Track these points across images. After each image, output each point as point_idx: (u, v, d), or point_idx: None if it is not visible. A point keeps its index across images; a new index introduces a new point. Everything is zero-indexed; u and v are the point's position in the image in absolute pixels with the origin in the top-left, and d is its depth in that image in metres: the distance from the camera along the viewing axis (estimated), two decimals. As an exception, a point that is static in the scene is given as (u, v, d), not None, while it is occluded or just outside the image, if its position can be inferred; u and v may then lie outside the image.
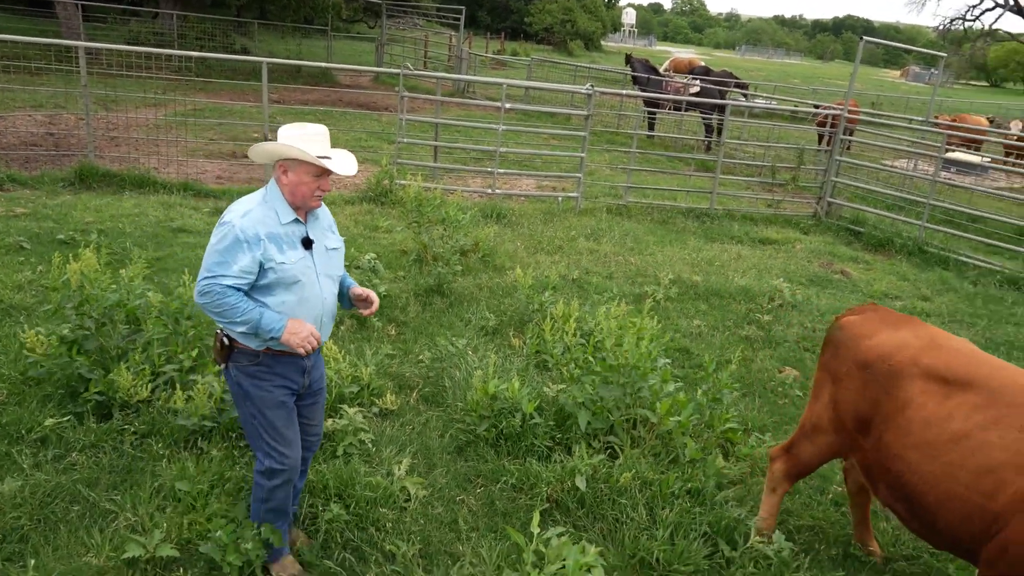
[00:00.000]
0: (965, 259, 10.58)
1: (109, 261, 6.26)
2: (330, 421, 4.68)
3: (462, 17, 24.98)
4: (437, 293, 7.31)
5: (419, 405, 5.37)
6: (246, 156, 12.27)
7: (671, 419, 4.73)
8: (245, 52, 23.53)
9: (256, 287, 3.28)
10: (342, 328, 6.37)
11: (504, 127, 11.39)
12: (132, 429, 4.56)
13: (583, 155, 11.50)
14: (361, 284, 6.52)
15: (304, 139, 3.25)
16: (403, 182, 9.69)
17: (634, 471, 4.46)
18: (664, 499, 4.31)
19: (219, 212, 9.20)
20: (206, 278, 3.19)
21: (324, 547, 3.89)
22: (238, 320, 3.20)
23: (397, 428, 5.03)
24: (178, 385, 4.66)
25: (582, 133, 11.68)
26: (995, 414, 3.24)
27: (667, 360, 5.19)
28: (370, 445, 4.71)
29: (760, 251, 10.42)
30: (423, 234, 7.94)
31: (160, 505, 4.00)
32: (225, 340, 3.36)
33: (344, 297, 3.69)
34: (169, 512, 3.94)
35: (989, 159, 17.75)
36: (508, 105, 11.71)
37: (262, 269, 3.24)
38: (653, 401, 4.76)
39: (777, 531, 4.23)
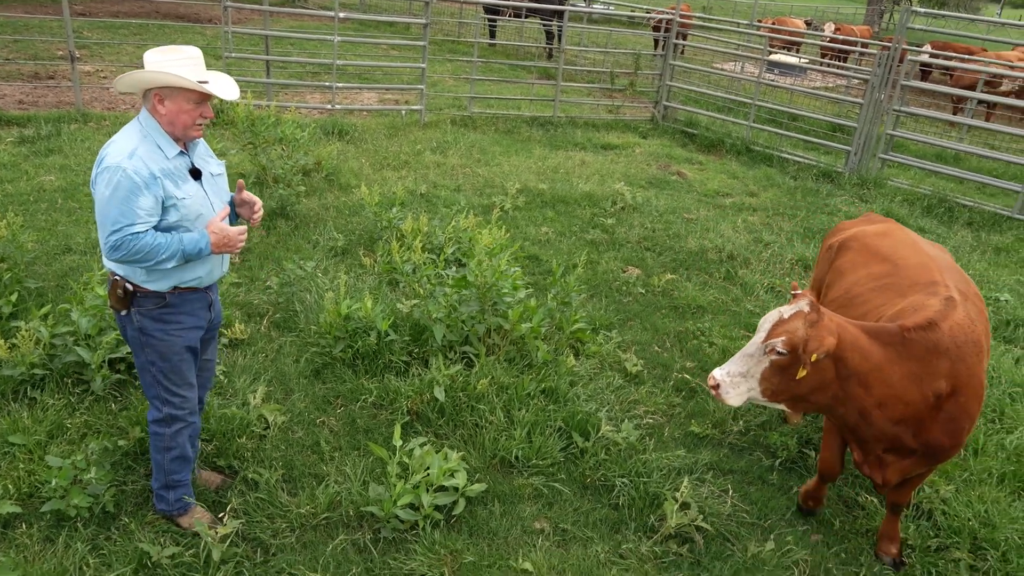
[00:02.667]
0: (786, 156, 11.36)
1: None
2: (175, 356, 4.48)
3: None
4: (281, 216, 7.04)
5: (271, 332, 5.25)
6: (51, 78, 11.12)
7: (523, 325, 4.89)
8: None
9: (159, 229, 3.08)
10: (180, 259, 6.03)
11: (340, 38, 10.88)
12: (-52, 384, 4.19)
13: (424, 66, 11.23)
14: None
15: (179, 64, 3.03)
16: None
17: (490, 377, 4.61)
18: (520, 401, 4.51)
19: (26, 141, 8.37)
20: (113, 232, 2.97)
21: (181, 484, 3.79)
22: (164, 257, 3.04)
23: (249, 357, 4.90)
24: (-3, 333, 4.29)
25: (422, 43, 11.36)
26: (888, 281, 3.81)
27: (517, 268, 5.31)
28: (222, 377, 4.57)
29: (602, 156, 10.71)
30: (261, 155, 7.56)
31: (-8, 461, 3.74)
32: (128, 286, 3.16)
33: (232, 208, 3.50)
34: (5, 467, 3.70)
35: (807, 60, 18.89)
36: (343, 15, 11.15)
37: (164, 208, 3.06)
38: (505, 310, 4.89)
39: (625, 420, 4.55)
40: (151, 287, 3.18)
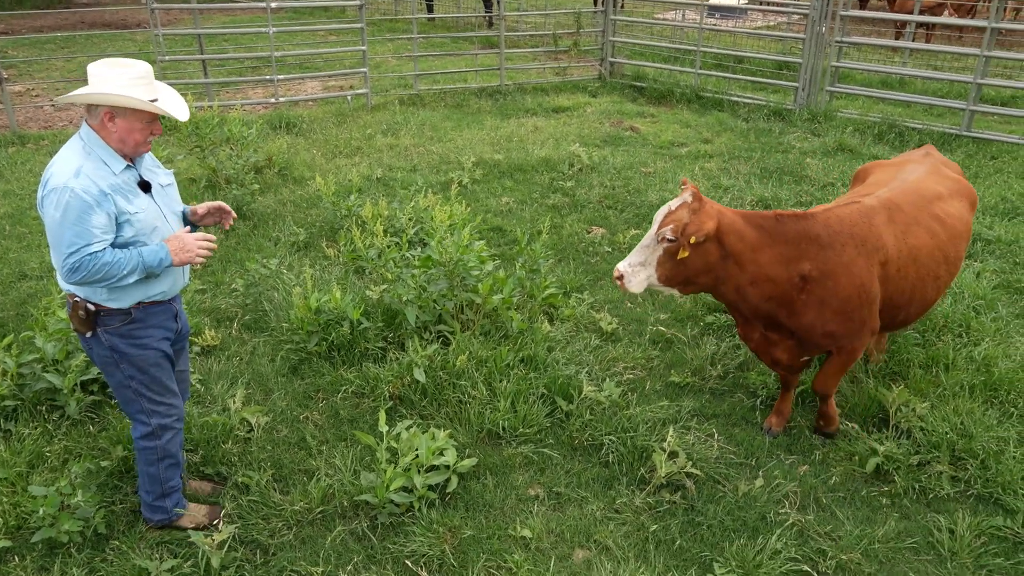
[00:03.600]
0: (736, 99, 11.40)
1: None
2: (148, 371, 4.42)
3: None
4: (239, 218, 6.94)
5: (242, 335, 5.19)
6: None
7: (494, 297, 4.90)
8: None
9: (115, 246, 3.03)
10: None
11: (275, 29, 10.65)
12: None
13: (364, 48, 11.05)
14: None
15: (132, 84, 2.97)
16: (175, 104, 8.90)
17: (468, 353, 4.62)
18: (500, 372, 4.52)
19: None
20: (70, 255, 2.90)
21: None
22: (125, 273, 3.00)
23: (224, 362, 4.85)
24: (-39, 369, 4.20)
25: (359, 25, 11.16)
26: (857, 192, 4.32)
27: (481, 241, 5.30)
28: (199, 385, 4.53)
29: (555, 120, 10.67)
30: (209, 158, 7.42)
31: (-26, 499, 3.68)
32: (90, 307, 3.10)
33: (186, 224, 3.43)
34: (-13, 503, 3.64)
35: (746, 1, 18.91)
36: (275, 4, 10.91)
37: (118, 224, 3.02)
38: (476, 284, 4.89)
39: (606, 379, 4.60)
40: (114, 305, 3.12)
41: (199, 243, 3.17)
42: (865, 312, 3.83)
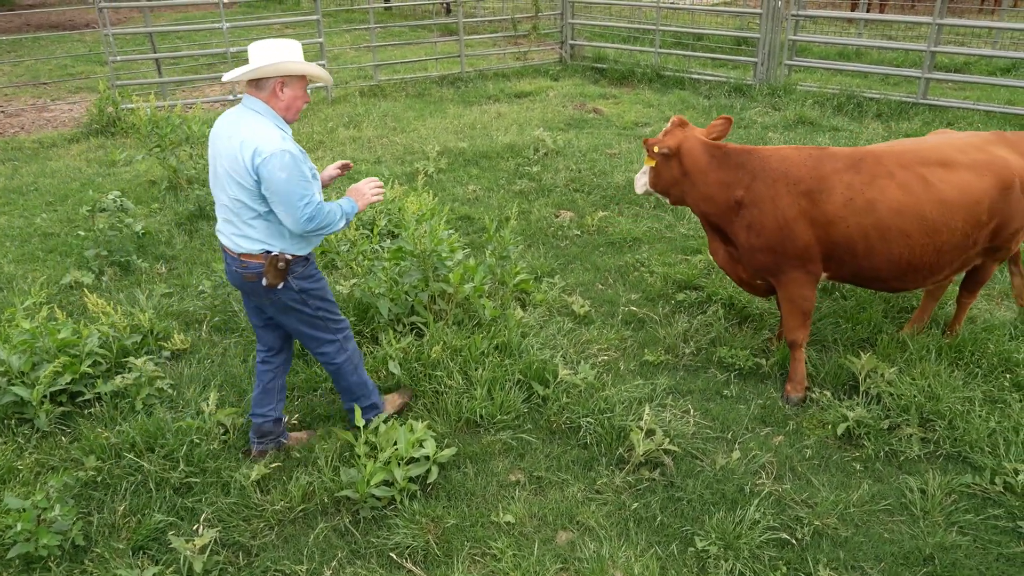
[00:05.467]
0: (697, 76, 11.47)
1: None
2: (118, 379, 4.36)
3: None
4: (201, 218, 6.84)
5: (212, 336, 5.14)
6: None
7: (466, 286, 4.89)
8: None
9: None
10: (104, 279, 5.83)
11: (229, 24, 10.47)
12: None
13: (321, 40, 10.92)
14: (112, 227, 5.98)
15: (297, 53, 3.47)
16: (130, 105, 8.74)
17: (442, 343, 4.61)
18: (475, 361, 4.53)
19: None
20: (305, 206, 3.36)
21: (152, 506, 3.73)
22: (338, 219, 3.53)
23: (195, 366, 4.80)
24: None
25: (314, 17, 11.02)
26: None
27: (451, 231, 5.29)
28: (170, 391, 4.47)
29: (517, 105, 10.65)
30: (170, 158, 7.30)
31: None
32: (288, 256, 3.52)
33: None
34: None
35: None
36: (227, -1, 10.74)
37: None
38: (446, 274, 4.88)
39: (581, 362, 4.62)
40: (301, 253, 3.60)
41: (371, 188, 3.77)
42: (790, 247, 4.19)
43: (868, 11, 14.78)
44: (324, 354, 3.88)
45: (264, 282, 3.53)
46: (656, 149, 4.42)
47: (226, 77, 3.50)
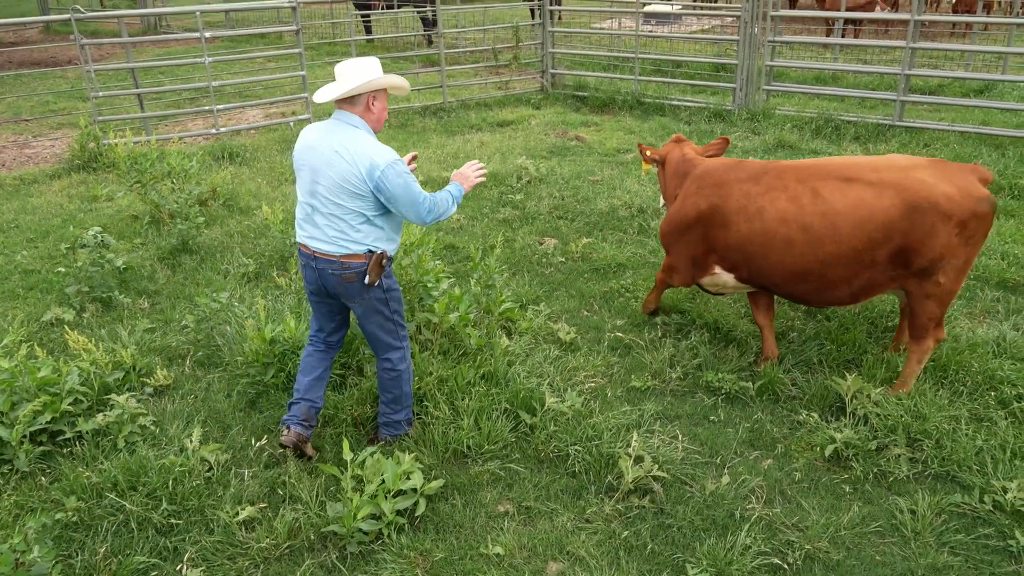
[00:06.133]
0: (677, 103, 11.60)
1: None
2: (100, 416, 4.30)
3: (130, -57, 22.18)
4: (184, 252, 6.81)
5: (196, 372, 5.08)
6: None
7: (451, 315, 4.88)
8: None
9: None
10: (85, 315, 5.78)
11: (211, 59, 10.50)
12: None
13: (304, 73, 10.97)
14: (93, 262, 5.93)
15: (380, 68, 3.79)
16: (110, 141, 8.72)
17: (429, 372, 4.59)
18: (462, 390, 4.50)
19: None
20: (424, 200, 3.78)
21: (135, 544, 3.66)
22: (452, 204, 3.95)
23: (178, 402, 4.74)
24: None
25: (296, 50, 11.08)
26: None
27: (437, 261, 5.28)
28: (153, 427, 4.41)
29: (500, 134, 10.72)
30: (151, 193, 7.27)
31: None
32: (388, 255, 3.84)
33: None
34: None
35: (680, 6, 19.26)
36: (209, 34, 10.78)
37: None
38: (431, 303, 4.86)
39: (567, 389, 4.61)
40: (391, 251, 3.89)
41: (474, 171, 4.14)
42: (676, 233, 4.96)
43: (843, 36, 15.04)
44: (389, 359, 4.07)
45: (367, 280, 3.80)
46: (648, 154, 5.41)
47: (322, 97, 3.75)
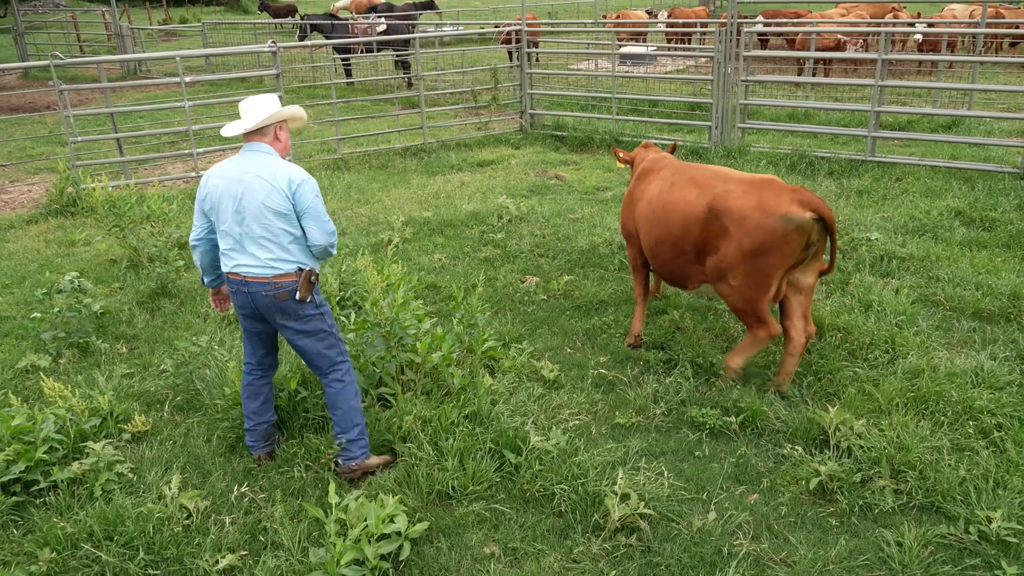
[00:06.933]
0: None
1: None
2: (75, 465, 4.21)
3: (110, -10, 22.36)
4: (163, 295, 6.75)
5: (175, 417, 5.01)
6: None
7: (434, 355, 4.86)
8: None
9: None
10: (62, 361, 5.69)
11: (191, 103, 10.55)
12: None
13: (284, 116, 11.02)
14: (70, 307, 5.86)
15: (278, 102, 4.09)
16: (90, 185, 8.68)
17: (412, 413, 4.55)
18: (445, 431, 4.46)
19: None
20: (328, 220, 4.03)
21: (107, 596, 3.56)
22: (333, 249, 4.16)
23: (157, 448, 4.66)
24: None
25: (276, 93, 11.15)
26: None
27: (419, 300, 5.27)
28: (130, 475, 4.32)
29: (480, 174, 10.80)
30: (129, 237, 7.23)
31: None
32: (316, 271, 4.04)
33: None
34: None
35: (655, 47, 19.66)
36: (189, 78, 10.84)
37: None
38: (414, 344, 4.84)
39: (552, 427, 4.58)
40: (317, 269, 4.08)
41: None
42: (624, 210, 5.75)
43: (814, 75, 15.40)
44: (337, 370, 4.22)
45: (298, 296, 3.98)
46: (621, 155, 6.20)
47: (231, 131, 4.05)
